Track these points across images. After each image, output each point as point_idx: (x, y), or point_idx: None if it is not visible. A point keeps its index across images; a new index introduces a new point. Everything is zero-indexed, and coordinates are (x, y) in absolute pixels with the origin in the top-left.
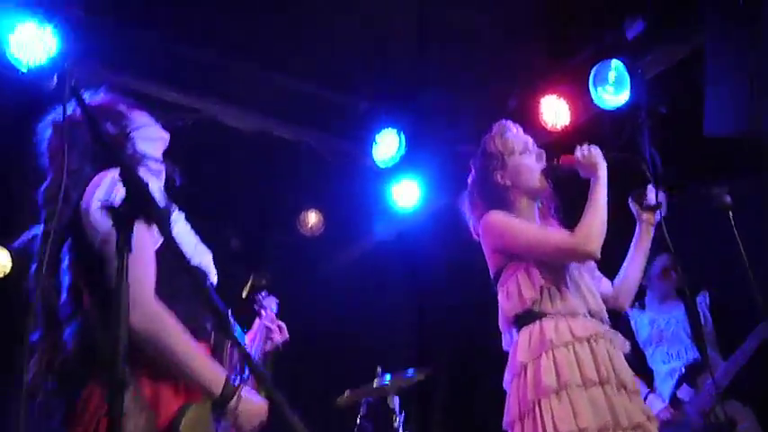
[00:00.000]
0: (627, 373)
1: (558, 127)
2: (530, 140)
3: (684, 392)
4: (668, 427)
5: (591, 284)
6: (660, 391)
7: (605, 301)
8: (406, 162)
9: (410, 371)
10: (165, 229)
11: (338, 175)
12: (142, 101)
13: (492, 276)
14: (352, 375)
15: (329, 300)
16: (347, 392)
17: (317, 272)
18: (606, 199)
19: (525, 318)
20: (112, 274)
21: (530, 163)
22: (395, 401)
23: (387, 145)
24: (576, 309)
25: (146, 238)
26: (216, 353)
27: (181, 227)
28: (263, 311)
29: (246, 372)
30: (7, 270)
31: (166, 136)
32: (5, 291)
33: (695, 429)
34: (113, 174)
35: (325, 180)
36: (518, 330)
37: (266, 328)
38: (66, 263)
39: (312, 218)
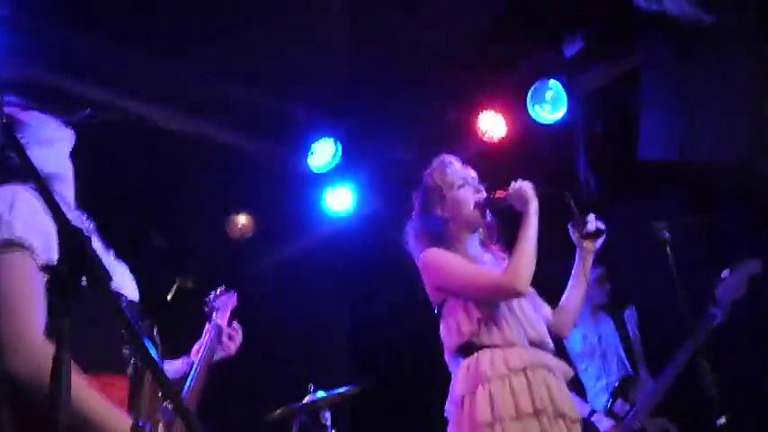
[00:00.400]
0: (566, 402)
1: (495, 139)
2: (469, 174)
3: (619, 407)
4: None
5: (531, 313)
6: (593, 407)
7: (547, 327)
8: (341, 168)
9: (342, 387)
10: (107, 292)
11: (270, 178)
12: (45, 96)
13: (434, 310)
14: (282, 389)
15: (258, 306)
16: (279, 410)
17: (246, 276)
18: (536, 233)
19: (465, 350)
20: None
21: (467, 196)
22: (326, 417)
23: (322, 153)
24: (513, 339)
25: (26, 267)
26: (136, 384)
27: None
28: (213, 314)
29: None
30: None
31: (68, 133)
32: None
33: None
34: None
35: (256, 183)
36: (459, 362)
37: (217, 335)
38: None
39: (242, 220)
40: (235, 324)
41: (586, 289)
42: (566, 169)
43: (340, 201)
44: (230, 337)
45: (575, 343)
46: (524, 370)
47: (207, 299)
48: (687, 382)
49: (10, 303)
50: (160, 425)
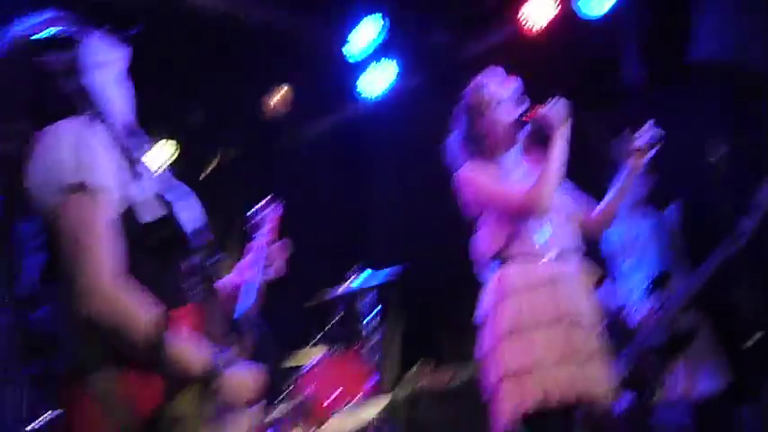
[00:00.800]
0: (585, 308)
1: (536, 28)
2: (507, 92)
3: (653, 300)
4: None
5: (560, 223)
6: (627, 301)
7: (583, 226)
8: (380, 49)
9: (383, 269)
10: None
11: (309, 57)
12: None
13: (470, 219)
14: (324, 272)
15: (294, 185)
16: (322, 292)
17: (283, 151)
18: (561, 155)
19: (495, 262)
20: (63, 250)
21: (504, 113)
22: (366, 300)
23: (364, 33)
24: (540, 252)
25: (99, 210)
26: (205, 310)
27: (147, 182)
28: (257, 232)
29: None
30: None
31: (124, 53)
32: None
33: (659, 337)
34: (62, 135)
35: (295, 60)
36: (490, 273)
37: (262, 257)
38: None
39: (279, 96)
40: (280, 243)
41: (622, 200)
42: (610, 64)
43: (379, 81)
44: (276, 257)
45: (616, 237)
46: (548, 282)
47: (248, 215)
48: (723, 282)
49: (85, 245)
50: (233, 347)
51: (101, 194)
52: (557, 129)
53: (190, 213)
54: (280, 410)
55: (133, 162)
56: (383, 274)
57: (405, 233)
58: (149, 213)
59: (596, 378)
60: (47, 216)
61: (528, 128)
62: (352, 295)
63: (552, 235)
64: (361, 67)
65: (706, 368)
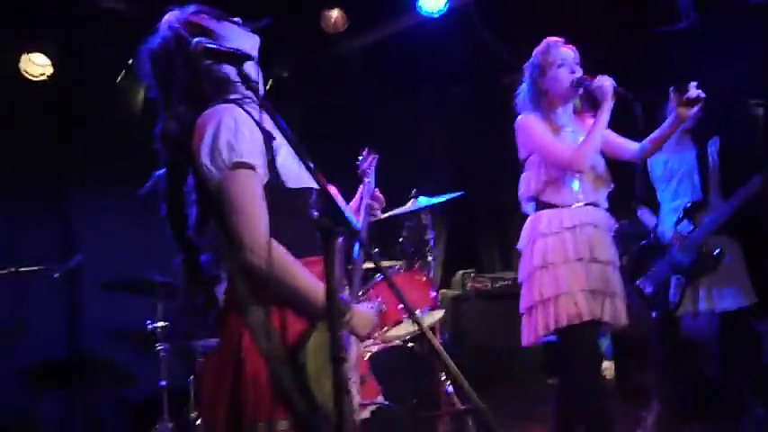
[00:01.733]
0: (603, 250)
1: None
2: (569, 55)
3: (684, 227)
4: (668, 252)
5: (592, 179)
6: (663, 224)
7: (626, 154)
8: None
9: (438, 197)
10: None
11: None
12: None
13: (520, 159)
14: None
15: (351, 106)
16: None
17: (340, 70)
18: (604, 125)
19: (533, 203)
20: (226, 215)
21: (563, 75)
22: (428, 220)
23: None
24: (570, 201)
25: (253, 184)
26: (328, 262)
27: (284, 153)
28: (365, 178)
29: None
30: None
31: (257, 39)
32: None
33: (686, 258)
34: (219, 119)
35: None
36: (530, 212)
37: (368, 202)
38: (192, 198)
39: (335, 14)
40: (378, 194)
41: (665, 141)
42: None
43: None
44: (378, 202)
45: (657, 166)
46: (574, 227)
47: (358, 162)
48: (751, 208)
49: (245, 212)
50: (347, 289)
51: (255, 170)
52: (606, 100)
53: (302, 170)
54: None
55: (271, 137)
56: (437, 200)
57: (454, 158)
58: (291, 181)
59: (612, 304)
60: (212, 186)
61: (581, 91)
62: (412, 216)
63: (581, 188)
64: None
65: (732, 287)
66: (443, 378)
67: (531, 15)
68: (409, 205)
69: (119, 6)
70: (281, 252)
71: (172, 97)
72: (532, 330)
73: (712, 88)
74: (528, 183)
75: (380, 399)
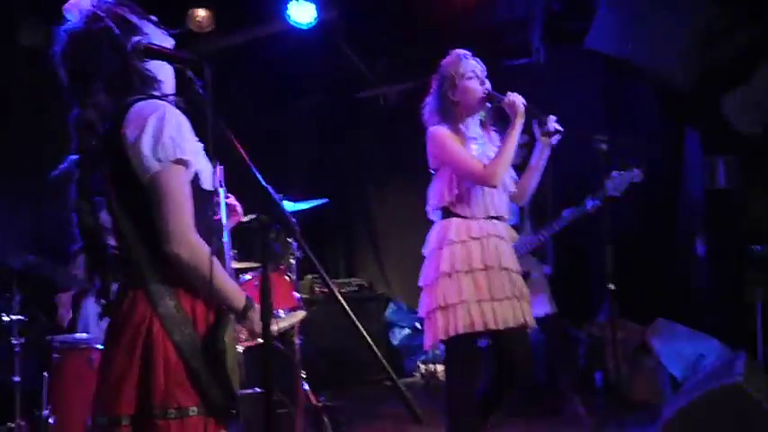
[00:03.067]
0: (510, 260)
1: None
2: (477, 68)
3: None
4: None
5: (497, 193)
6: None
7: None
8: None
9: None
10: (296, 237)
11: None
12: None
13: (430, 169)
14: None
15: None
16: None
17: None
18: (515, 141)
19: (442, 212)
20: (157, 205)
21: (474, 86)
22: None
23: None
24: (478, 214)
25: (186, 180)
26: (220, 259)
27: (201, 156)
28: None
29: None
30: None
31: (172, 41)
32: None
33: None
34: (162, 114)
35: None
36: (437, 219)
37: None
38: (102, 185)
39: (201, 13)
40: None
41: (540, 173)
42: (519, 37)
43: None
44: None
45: None
46: (480, 238)
47: None
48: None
49: (177, 205)
50: None
51: (188, 168)
52: (517, 117)
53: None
54: None
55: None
56: (303, 205)
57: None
58: (206, 182)
59: (510, 313)
60: (146, 176)
61: (490, 105)
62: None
63: (490, 202)
64: None
65: (537, 298)
66: (302, 375)
67: (392, 42)
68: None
69: None
70: (204, 247)
71: (92, 84)
72: (433, 334)
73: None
74: (440, 193)
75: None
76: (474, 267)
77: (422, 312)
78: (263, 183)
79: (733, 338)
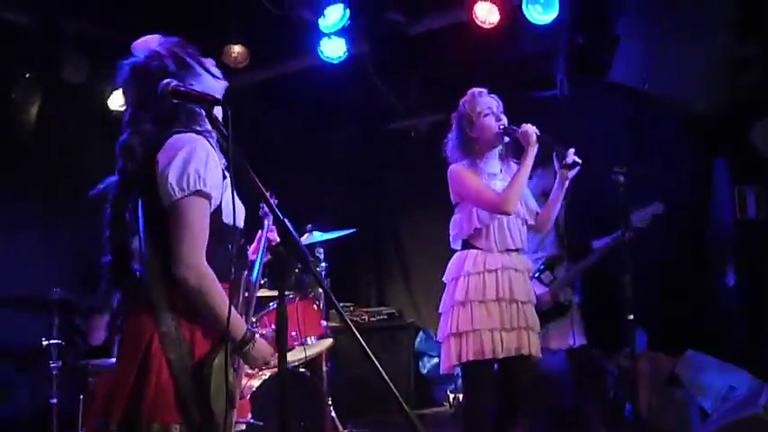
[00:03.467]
0: (522, 292)
1: (487, 25)
2: (493, 104)
3: (546, 277)
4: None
5: (515, 226)
6: None
7: (533, 225)
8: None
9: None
10: (310, 269)
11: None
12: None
13: (453, 203)
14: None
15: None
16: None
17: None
18: (528, 169)
19: (462, 243)
20: (173, 230)
21: (490, 123)
22: (320, 253)
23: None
24: (496, 247)
25: (205, 211)
26: (233, 290)
27: (227, 191)
28: (266, 221)
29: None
30: None
31: (225, 84)
32: None
33: (545, 306)
34: (193, 148)
35: (254, 15)
36: (458, 248)
37: (267, 240)
38: (134, 207)
39: (237, 49)
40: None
41: (560, 203)
42: (544, 69)
43: (333, 49)
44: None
45: None
46: (496, 270)
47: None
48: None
49: (192, 232)
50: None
51: (209, 200)
52: (530, 146)
53: (239, 211)
54: None
55: (224, 175)
56: (331, 235)
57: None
58: (228, 217)
59: (515, 344)
60: (167, 201)
61: (507, 139)
62: (309, 249)
63: (508, 235)
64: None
65: (577, 329)
66: (329, 402)
67: (421, 75)
68: (304, 239)
69: (20, 19)
70: (211, 275)
71: (142, 114)
72: (448, 358)
73: (582, 153)
74: (460, 225)
75: (250, 417)
76: (487, 298)
77: (439, 337)
78: (281, 216)
79: (763, 370)
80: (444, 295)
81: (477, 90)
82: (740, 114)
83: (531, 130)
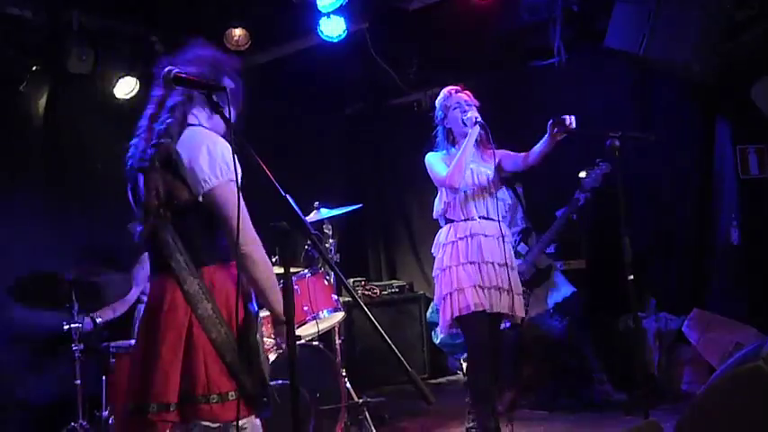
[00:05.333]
0: (494, 254)
1: None
2: (462, 99)
3: (522, 248)
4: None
5: (485, 196)
6: None
7: (520, 164)
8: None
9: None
10: (315, 245)
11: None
12: None
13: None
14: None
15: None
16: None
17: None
18: (469, 147)
19: (443, 219)
20: (224, 215)
21: (459, 116)
22: (329, 229)
23: None
24: (463, 215)
25: (238, 194)
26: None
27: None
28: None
29: None
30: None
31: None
32: None
33: (527, 273)
34: (214, 140)
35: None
36: (441, 225)
37: None
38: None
39: (238, 33)
40: None
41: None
42: (541, 39)
43: (333, 27)
44: None
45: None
46: (465, 237)
47: None
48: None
49: (244, 214)
50: None
51: (237, 184)
52: (470, 128)
53: None
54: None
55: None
56: (338, 211)
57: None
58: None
59: (502, 297)
60: (202, 189)
61: (469, 127)
62: (316, 226)
63: (474, 206)
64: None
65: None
66: (343, 374)
67: (421, 49)
68: (313, 215)
69: (24, 13)
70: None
71: (162, 112)
72: (443, 319)
73: (581, 119)
74: (437, 204)
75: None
76: (461, 261)
77: (435, 302)
78: (283, 193)
79: None
80: (434, 266)
81: (450, 88)
82: (739, 75)
83: (472, 115)
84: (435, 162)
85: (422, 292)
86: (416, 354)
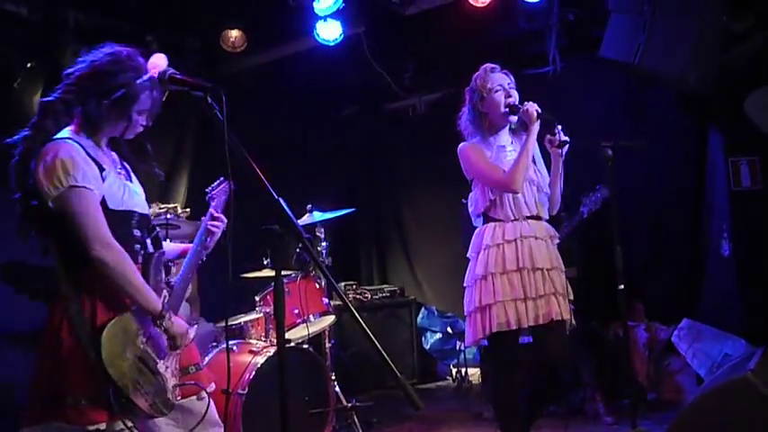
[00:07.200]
0: (545, 259)
1: (480, 3)
2: (504, 81)
3: None
4: None
5: (531, 194)
6: None
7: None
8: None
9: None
10: (306, 248)
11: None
12: None
13: (468, 180)
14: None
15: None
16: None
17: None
18: (532, 146)
19: (482, 218)
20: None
21: (500, 99)
22: (321, 232)
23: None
24: (513, 216)
25: (94, 197)
26: (145, 268)
27: (110, 180)
28: (212, 203)
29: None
30: None
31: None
32: None
33: None
34: (69, 152)
35: (250, 0)
36: (479, 225)
37: (207, 224)
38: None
39: (234, 34)
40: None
41: (559, 180)
42: (537, 47)
43: (330, 31)
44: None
45: None
46: (515, 240)
47: (207, 190)
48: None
49: (91, 218)
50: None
51: (92, 192)
52: (531, 124)
53: (138, 198)
54: (248, 317)
55: (102, 168)
56: (331, 215)
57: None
58: (112, 203)
59: (544, 310)
60: (50, 199)
61: (513, 117)
62: (308, 229)
63: (523, 204)
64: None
65: None
66: (332, 378)
67: (417, 54)
68: (305, 218)
69: (20, 10)
70: (122, 251)
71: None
72: (473, 333)
73: (575, 129)
74: (476, 201)
75: (212, 387)
76: (508, 269)
77: (466, 311)
78: (275, 196)
79: (760, 338)
80: (468, 271)
81: (489, 66)
82: (732, 87)
83: (532, 108)
84: (477, 155)
85: (413, 297)
86: (406, 358)
